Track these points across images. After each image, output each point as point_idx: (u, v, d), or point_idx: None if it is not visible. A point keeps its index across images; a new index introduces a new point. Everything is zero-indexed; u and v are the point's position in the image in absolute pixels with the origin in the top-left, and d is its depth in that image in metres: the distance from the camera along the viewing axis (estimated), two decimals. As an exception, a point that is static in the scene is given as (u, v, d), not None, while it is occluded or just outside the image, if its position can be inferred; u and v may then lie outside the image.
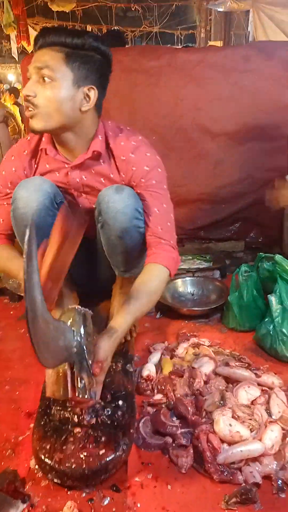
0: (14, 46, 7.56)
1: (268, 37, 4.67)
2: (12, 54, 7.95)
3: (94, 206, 1.37)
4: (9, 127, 4.88)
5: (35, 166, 1.38)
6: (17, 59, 7.87)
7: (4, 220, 1.39)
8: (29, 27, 6.99)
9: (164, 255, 1.28)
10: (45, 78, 1.15)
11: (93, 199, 1.37)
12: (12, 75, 12.28)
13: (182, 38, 10.20)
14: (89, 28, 8.43)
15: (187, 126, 2.32)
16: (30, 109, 1.18)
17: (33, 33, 7.18)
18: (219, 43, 7.72)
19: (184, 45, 6.09)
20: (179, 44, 9.93)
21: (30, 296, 0.70)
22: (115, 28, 7.80)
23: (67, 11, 7.73)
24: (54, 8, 7.47)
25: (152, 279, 1.25)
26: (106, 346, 1.05)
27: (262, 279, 1.64)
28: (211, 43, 8.22)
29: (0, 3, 6.17)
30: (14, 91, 7.08)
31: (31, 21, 7.75)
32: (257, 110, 2.28)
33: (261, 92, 2.26)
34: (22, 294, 1.55)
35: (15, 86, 8.86)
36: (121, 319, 1.13)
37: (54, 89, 1.17)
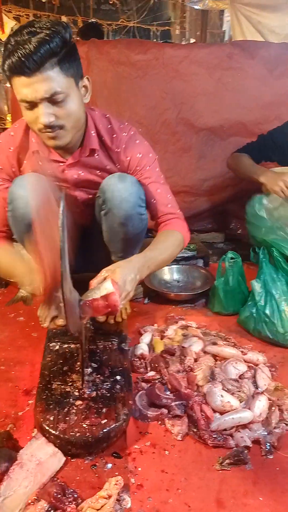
0: (-13, 33, 7.38)
1: (245, 37, 4.77)
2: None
3: (90, 196, 1.41)
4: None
5: (25, 162, 1.37)
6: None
7: None
8: (3, 15, 6.85)
9: (177, 223, 1.37)
10: (57, 100, 1.12)
11: (90, 191, 1.41)
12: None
13: (158, 34, 10.25)
14: (64, 19, 8.33)
15: (172, 120, 2.39)
16: (54, 133, 1.16)
17: (7, 21, 7.05)
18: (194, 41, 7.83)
19: (163, 41, 6.15)
20: (155, 40, 9.96)
21: (64, 262, 0.76)
22: (92, 20, 7.75)
23: (43, 0, 7.62)
24: (31, -4, 7.34)
25: (167, 239, 1.32)
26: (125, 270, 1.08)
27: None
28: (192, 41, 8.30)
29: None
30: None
31: (4, 8, 7.58)
32: (239, 106, 2.38)
33: (243, 90, 2.37)
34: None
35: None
36: (137, 257, 1.18)
37: (71, 103, 1.15)
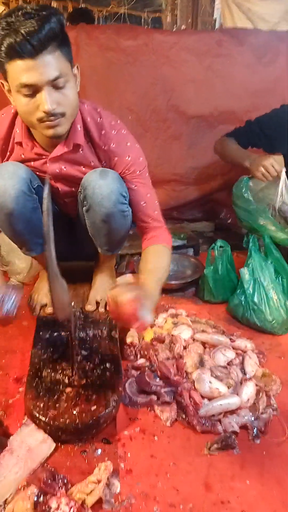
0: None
1: (235, 24, 4.74)
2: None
3: (72, 189, 1.38)
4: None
5: (8, 154, 1.33)
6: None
7: None
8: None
9: (164, 236, 1.38)
10: (59, 85, 1.08)
11: (72, 184, 1.36)
12: None
13: (149, 21, 10.11)
14: (54, 4, 8.16)
15: (163, 107, 2.38)
16: (56, 121, 1.12)
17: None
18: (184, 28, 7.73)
19: (152, 27, 6.07)
20: (146, 26, 9.82)
21: (49, 247, 0.75)
22: (82, 6, 7.60)
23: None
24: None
25: (164, 258, 1.34)
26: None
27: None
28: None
29: None
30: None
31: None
32: (228, 94, 2.37)
33: (232, 77, 2.36)
34: None
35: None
36: (150, 285, 1.19)
37: (71, 89, 1.11)
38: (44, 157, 1.29)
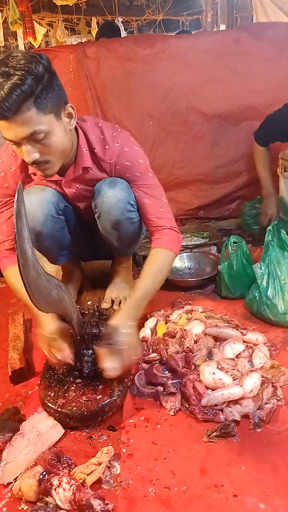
0: (21, 43, 7.69)
1: (269, 17, 4.65)
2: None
3: (91, 203, 1.46)
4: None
5: (28, 180, 1.41)
6: (24, 55, 7.95)
7: (7, 227, 1.43)
8: (35, 22, 7.11)
9: (166, 238, 1.41)
10: (38, 138, 1.14)
11: (90, 200, 1.45)
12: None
13: (188, 24, 10.13)
14: (94, 20, 8.48)
15: (183, 110, 2.42)
16: (42, 167, 1.21)
17: (39, 29, 7.31)
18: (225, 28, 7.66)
19: (178, 31, 6.09)
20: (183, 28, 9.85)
21: (20, 247, 0.84)
22: (119, 18, 7.84)
23: (71, 4, 7.80)
24: (58, 2, 7.55)
25: (156, 262, 1.38)
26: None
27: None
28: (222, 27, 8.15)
29: (5, 0, 6.29)
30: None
31: (37, 16, 7.86)
32: (249, 90, 2.37)
33: (252, 73, 2.35)
34: None
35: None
36: (129, 305, 1.31)
37: (53, 138, 1.17)
38: (59, 182, 1.40)
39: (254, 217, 2.29)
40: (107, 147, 1.35)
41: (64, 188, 1.42)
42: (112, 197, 1.35)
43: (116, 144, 1.35)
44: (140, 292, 1.33)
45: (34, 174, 1.38)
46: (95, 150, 1.35)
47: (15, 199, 0.82)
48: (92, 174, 1.39)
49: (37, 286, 0.91)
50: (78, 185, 1.43)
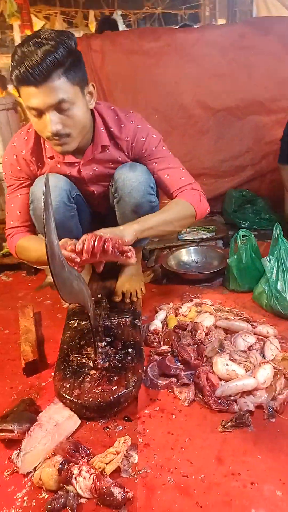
0: (17, 36, 7.62)
1: (270, 12, 4.65)
2: (16, 44, 7.97)
3: (105, 189, 1.50)
4: (17, 114, 5.02)
5: (40, 165, 1.43)
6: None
7: (21, 212, 1.46)
8: (32, 15, 7.04)
9: (188, 194, 1.42)
10: (64, 108, 1.17)
11: (105, 184, 1.49)
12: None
13: (186, 17, 10.08)
14: (91, 13, 8.42)
15: (188, 104, 2.42)
16: (61, 141, 1.22)
17: (36, 22, 7.24)
18: (224, 21, 7.63)
19: (181, 24, 6.07)
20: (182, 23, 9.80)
21: (49, 238, 0.85)
22: (117, 11, 7.79)
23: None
24: (56, -5, 7.48)
25: (171, 206, 1.39)
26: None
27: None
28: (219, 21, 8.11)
29: (3, -8, 6.22)
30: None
31: (34, 9, 7.78)
32: (254, 85, 2.37)
33: (257, 67, 2.35)
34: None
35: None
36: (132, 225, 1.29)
37: (77, 111, 1.20)
38: (76, 164, 1.42)
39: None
40: (122, 125, 1.39)
41: (81, 170, 1.43)
42: (133, 180, 1.38)
43: (131, 122, 1.39)
44: (146, 221, 1.32)
45: (51, 157, 1.39)
46: (112, 129, 1.39)
47: (43, 190, 0.82)
48: (109, 153, 1.42)
49: (62, 277, 0.91)
50: (95, 167, 1.44)
